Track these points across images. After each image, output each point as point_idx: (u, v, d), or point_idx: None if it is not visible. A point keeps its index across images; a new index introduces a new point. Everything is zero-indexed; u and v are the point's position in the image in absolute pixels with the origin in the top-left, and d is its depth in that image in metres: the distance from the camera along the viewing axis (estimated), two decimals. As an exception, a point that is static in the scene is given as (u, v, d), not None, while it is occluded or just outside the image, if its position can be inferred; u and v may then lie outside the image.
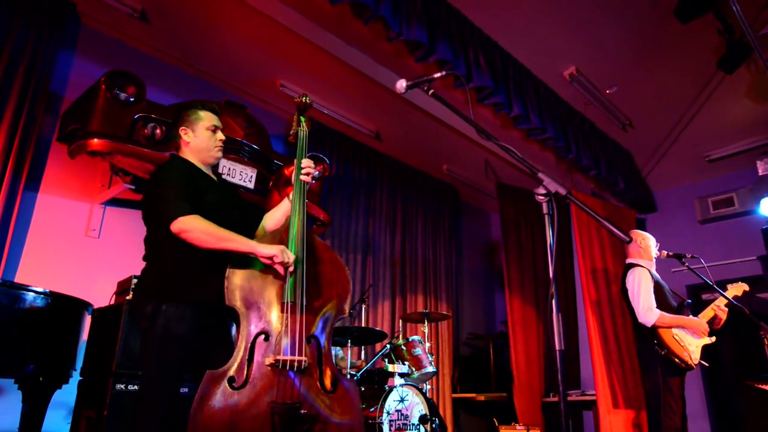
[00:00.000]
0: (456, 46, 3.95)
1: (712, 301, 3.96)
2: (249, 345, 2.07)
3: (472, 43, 4.13)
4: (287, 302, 2.13)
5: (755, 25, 4.07)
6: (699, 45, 4.47)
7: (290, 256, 2.15)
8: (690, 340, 3.62)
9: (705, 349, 3.74)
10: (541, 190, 1.56)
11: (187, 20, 4.08)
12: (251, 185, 4.02)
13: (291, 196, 2.41)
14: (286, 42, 4.20)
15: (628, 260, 3.99)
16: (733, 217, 5.84)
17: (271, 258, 2.11)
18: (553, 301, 1.46)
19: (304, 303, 2.16)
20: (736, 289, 3.82)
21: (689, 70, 4.84)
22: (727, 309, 3.77)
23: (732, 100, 5.10)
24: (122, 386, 2.74)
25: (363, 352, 5.09)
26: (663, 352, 3.52)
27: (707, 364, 3.64)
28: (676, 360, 3.51)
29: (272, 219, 2.50)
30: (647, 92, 5.11)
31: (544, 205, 1.55)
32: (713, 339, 3.70)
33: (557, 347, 1.46)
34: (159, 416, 2.03)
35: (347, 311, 2.35)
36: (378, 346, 5.01)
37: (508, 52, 4.48)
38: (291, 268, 2.16)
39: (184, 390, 2.29)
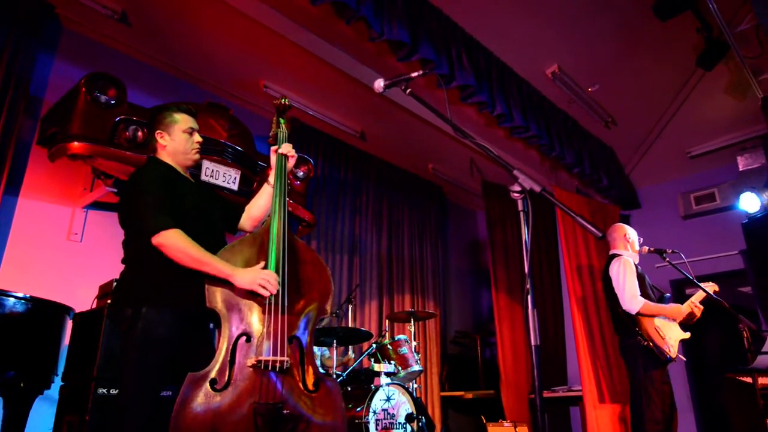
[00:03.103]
0: (438, 46, 3.96)
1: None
2: (230, 346, 2.07)
3: (455, 43, 4.15)
4: (268, 303, 2.13)
5: (732, 23, 4.13)
6: (679, 43, 4.54)
7: (272, 276, 2.11)
8: (669, 334, 3.68)
9: (688, 342, 3.81)
10: (516, 187, 1.57)
11: (168, 21, 4.06)
12: (235, 187, 4.00)
13: (270, 179, 2.41)
14: (269, 43, 4.19)
15: (612, 251, 4.04)
16: (715, 212, 5.91)
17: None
18: (529, 297, 1.47)
19: (286, 304, 2.16)
20: (707, 288, 3.90)
21: (670, 67, 4.90)
22: (702, 306, 3.84)
23: (712, 96, 5.17)
24: (104, 390, 2.72)
25: (351, 353, 5.09)
26: (645, 343, 3.57)
27: (684, 359, 3.70)
28: (658, 353, 3.56)
29: (257, 205, 2.50)
30: (629, 90, 5.17)
31: (519, 202, 1.57)
32: (688, 335, 3.77)
33: (533, 342, 1.47)
34: (141, 420, 2.02)
35: (329, 311, 2.35)
36: (365, 346, 5.01)
37: (491, 51, 4.50)
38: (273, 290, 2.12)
39: (167, 393, 2.27)
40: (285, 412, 2.01)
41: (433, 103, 2.03)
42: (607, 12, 4.26)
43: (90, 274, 3.68)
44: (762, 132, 5.37)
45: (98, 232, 3.98)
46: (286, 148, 2.46)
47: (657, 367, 3.59)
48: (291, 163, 2.47)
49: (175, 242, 2.07)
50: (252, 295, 2.14)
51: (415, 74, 1.91)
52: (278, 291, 2.15)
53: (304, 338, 2.21)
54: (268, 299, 2.13)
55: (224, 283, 2.12)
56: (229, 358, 2.05)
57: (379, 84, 2.01)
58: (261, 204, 2.50)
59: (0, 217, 3.50)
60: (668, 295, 3.93)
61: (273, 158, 2.45)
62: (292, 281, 2.24)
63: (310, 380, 2.15)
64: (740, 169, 5.56)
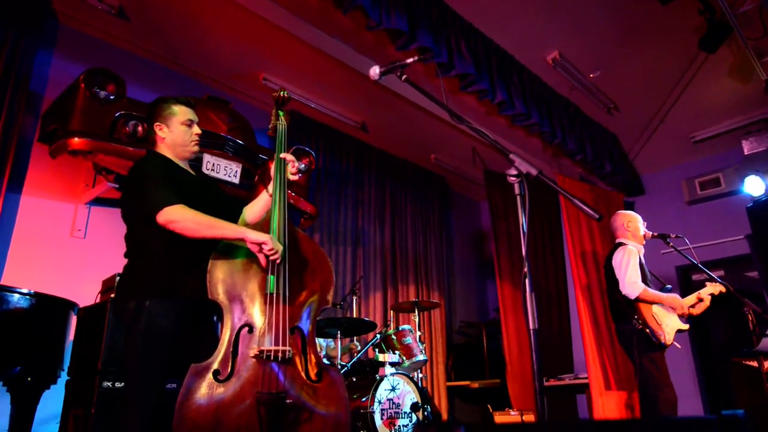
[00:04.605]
0: (437, 34, 3.94)
1: (702, 281, 4.02)
2: (233, 337, 2.07)
3: (454, 31, 4.12)
4: (270, 294, 2.13)
5: (735, 4, 4.08)
6: (680, 25, 4.48)
7: (279, 246, 2.14)
8: (666, 321, 3.66)
9: (694, 327, 3.79)
10: (513, 171, 1.57)
11: (166, 16, 4.05)
12: (236, 180, 4.00)
13: (270, 188, 2.40)
14: (268, 35, 4.18)
15: (617, 240, 4.02)
16: (720, 197, 5.87)
17: (260, 245, 2.09)
18: (527, 281, 1.47)
19: (287, 294, 2.16)
20: (713, 288, 3.88)
21: (672, 51, 4.85)
22: (710, 297, 3.83)
23: (715, 80, 5.12)
24: (109, 384, 2.74)
25: (357, 344, 5.10)
26: (640, 327, 3.56)
27: (680, 346, 3.69)
28: (652, 336, 3.55)
29: (251, 212, 2.49)
30: (631, 75, 5.12)
31: (516, 186, 1.56)
32: (687, 326, 3.75)
33: (531, 326, 1.47)
34: (146, 412, 2.03)
35: (330, 302, 2.35)
36: (370, 336, 5.02)
37: (490, 38, 4.47)
38: (278, 259, 2.15)
39: (172, 385, 2.28)
40: (288, 401, 2.02)
41: (434, 93, 2.02)
42: (607, -4, 4.23)
43: (94, 269, 3.70)
44: (767, 115, 5.31)
45: (101, 227, 3.99)
46: (285, 154, 2.44)
47: (656, 350, 3.58)
48: (291, 168, 2.44)
49: (183, 214, 2.07)
50: (252, 286, 2.15)
51: (410, 60, 1.90)
52: (280, 282, 2.15)
53: (306, 328, 2.22)
54: (269, 290, 2.13)
55: (226, 274, 2.13)
56: (231, 349, 2.05)
57: (375, 71, 1.99)
58: (256, 210, 2.49)
59: (3, 215, 3.51)
60: (669, 286, 3.91)
61: (272, 170, 2.42)
62: (294, 272, 2.24)
63: (312, 370, 2.15)
64: (745, 153, 5.50)
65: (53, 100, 3.73)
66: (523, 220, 1.54)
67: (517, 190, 1.57)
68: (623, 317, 3.72)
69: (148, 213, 2.07)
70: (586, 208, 1.47)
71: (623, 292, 3.69)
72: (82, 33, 4.12)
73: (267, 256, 2.13)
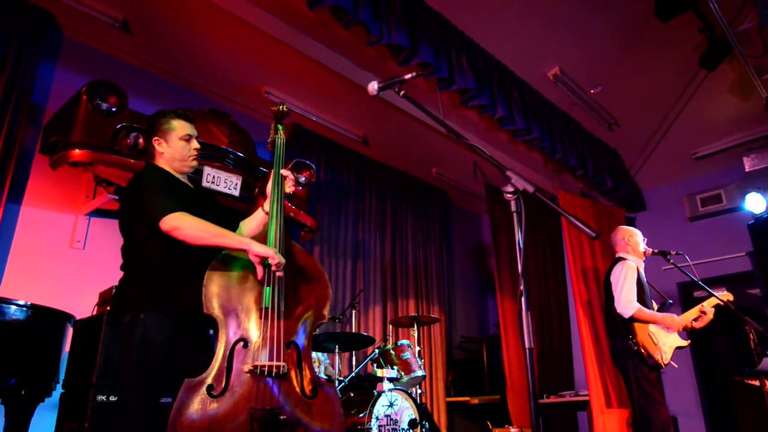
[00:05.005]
0: (438, 49, 3.95)
1: (703, 298, 3.99)
2: (228, 352, 2.06)
3: (455, 46, 4.14)
4: (265, 308, 2.12)
5: (734, 22, 4.10)
6: (681, 43, 4.50)
7: (283, 259, 2.13)
8: (664, 340, 3.62)
9: (695, 345, 3.75)
10: (509, 188, 1.56)
11: (168, 29, 4.08)
12: (236, 193, 4.00)
13: (265, 206, 2.40)
14: (270, 49, 4.20)
15: (618, 254, 4.00)
16: (721, 213, 5.85)
17: (262, 258, 2.08)
18: (523, 299, 1.46)
19: (283, 309, 2.15)
20: (715, 299, 3.84)
21: (672, 68, 4.87)
22: (713, 309, 3.78)
23: (716, 96, 5.13)
24: (103, 397, 2.72)
25: (354, 358, 5.07)
26: (636, 348, 3.53)
27: (677, 366, 3.64)
28: (648, 357, 3.51)
29: (247, 228, 2.48)
30: (632, 91, 5.13)
31: (513, 203, 1.56)
32: (688, 342, 3.70)
33: (527, 345, 1.45)
34: (138, 427, 2.01)
35: (327, 317, 2.34)
36: (369, 351, 4.99)
37: (491, 54, 4.49)
38: (279, 273, 2.14)
39: (166, 400, 2.26)
40: (282, 417, 2.00)
41: (435, 107, 2.02)
42: (608, 13, 4.24)
43: (93, 281, 3.69)
44: (768, 132, 5.32)
45: (101, 239, 3.99)
46: (284, 173, 2.44)
47: (652, 369, 3.54)
48: (288, 183, 2.44)
49: (188, 221, 2.06)
50: (248, 300, 2.14)
51: (408, 76, 1.90)
52: (276, 296, 2.14)
53: (302, 343, 2.20)
54: (264, 305, 2.11)
55: (221, 288, 2.12)
56: (226, 364, 2.04)
57: (373, 86, 2.00)
58: (252, 227, 2.48)
59: (3, 226, 3.51)
60: (670, 301, 3.88)
61: (269, 185, 2.43)
62: (290, 286, 2.23)
63: (307, 386, 2.13)
64: (747, 170, 5.49)
65: (55, 112, 3.75)
66: (519, 237, 1.53)
67: (513, 207, 1.56)
68: (618, 333, 3.68)
69: (150, 221, 2.07)
70: (583, 227, 1.46)
71: (618, 311, 3.65)
72: (85, 45, 4.15)
73: (266, 270, 2.12)
